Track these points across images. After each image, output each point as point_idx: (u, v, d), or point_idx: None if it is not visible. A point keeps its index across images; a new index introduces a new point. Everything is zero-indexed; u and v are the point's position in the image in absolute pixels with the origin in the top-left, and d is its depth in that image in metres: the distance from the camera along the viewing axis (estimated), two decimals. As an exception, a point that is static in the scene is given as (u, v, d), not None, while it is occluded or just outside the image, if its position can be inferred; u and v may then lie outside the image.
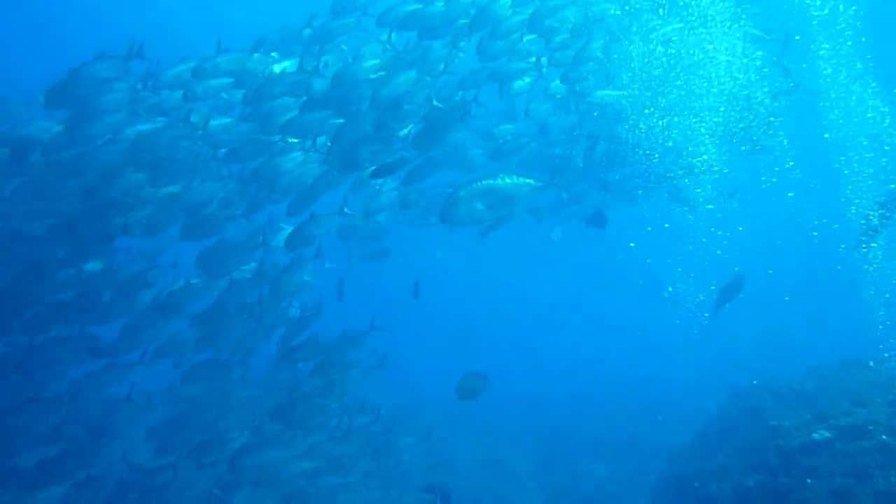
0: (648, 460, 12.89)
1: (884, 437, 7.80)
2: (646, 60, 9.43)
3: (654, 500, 10.76)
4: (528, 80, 9.43)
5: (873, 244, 8.34)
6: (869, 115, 11.05)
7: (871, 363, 9.90)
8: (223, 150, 8.13)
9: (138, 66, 7.86)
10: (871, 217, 8.33)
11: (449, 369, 20.42)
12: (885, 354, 9.84)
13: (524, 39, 8.92)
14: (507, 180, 6.06)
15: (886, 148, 10.54)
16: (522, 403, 17.71)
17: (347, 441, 9.82)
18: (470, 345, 23.23)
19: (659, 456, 12.05)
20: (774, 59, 9.73)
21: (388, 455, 11.72)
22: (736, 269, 10.47)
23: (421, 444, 12.79)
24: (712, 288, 10.66)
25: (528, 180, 6.14)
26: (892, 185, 8.27)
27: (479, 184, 6.04)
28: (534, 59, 9.09)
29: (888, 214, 8.17)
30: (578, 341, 24.54)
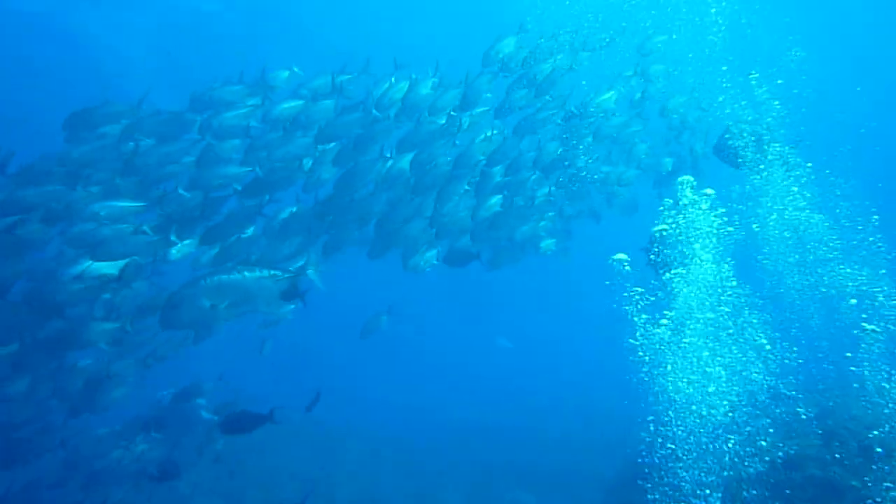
0: (582, 492, 12.84)
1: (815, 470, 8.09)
2: None
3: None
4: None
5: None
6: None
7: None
8: None
9: None
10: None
11: (379, 397, 20.08)
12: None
13: None
14: (246, 274, 5.34)
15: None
16: (451, 434, 17.37)
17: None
18: (402, 375, 22.88)
19: (593, 488, 12.02)
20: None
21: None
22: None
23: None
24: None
25: (270, 272, 5.43)
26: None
27: (208, 280, 5.23)
28: None
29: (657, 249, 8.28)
30: (507, 371, 24.59)
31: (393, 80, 8.76)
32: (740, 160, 8.18)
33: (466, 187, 9.05)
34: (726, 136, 8.26)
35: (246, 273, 5.34)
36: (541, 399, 19.91)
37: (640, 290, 8.23)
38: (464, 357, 26.61)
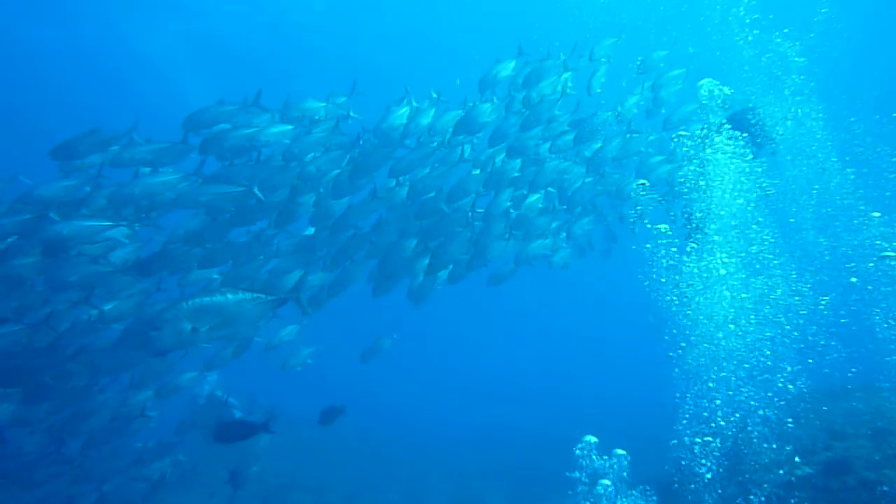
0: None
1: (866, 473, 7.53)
2: None
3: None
4: None
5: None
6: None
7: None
8: None
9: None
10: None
11: (421, 406, 20.11)
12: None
13: None
14: (229, 297, 5.17)
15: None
16: (496, 438, 17.27)
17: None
18: (442, 382, 22.83)
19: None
20: None
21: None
22: None
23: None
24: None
25: (253, 295, 5.25)
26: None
27: (189, 303, 5.09)
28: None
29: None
30: (548, 375, 24.29)
31: (412, 102, 8.50)
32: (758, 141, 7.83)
33: (459, 229, 8.82)
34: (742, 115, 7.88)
35: (229, 295, 5.19)
36: (568, 402, 19.56)
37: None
38: (488, 364, 26.35)
